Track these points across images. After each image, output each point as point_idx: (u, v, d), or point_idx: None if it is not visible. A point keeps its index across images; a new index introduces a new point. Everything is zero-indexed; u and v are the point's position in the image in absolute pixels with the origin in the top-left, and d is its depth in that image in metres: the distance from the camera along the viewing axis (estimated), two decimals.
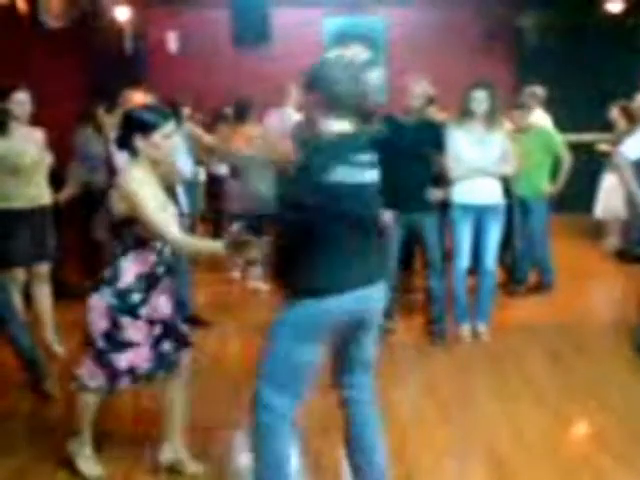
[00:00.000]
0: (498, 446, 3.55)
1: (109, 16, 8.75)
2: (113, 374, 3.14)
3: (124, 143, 3.10)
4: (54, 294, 4.91)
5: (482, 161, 4.88)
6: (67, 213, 5.72)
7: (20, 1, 7.44)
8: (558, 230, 6.86)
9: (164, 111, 3.19)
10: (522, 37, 9.32)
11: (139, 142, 3.03)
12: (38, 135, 4.79)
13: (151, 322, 3.15)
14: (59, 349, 4.84)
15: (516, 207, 5.74)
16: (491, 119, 4.89)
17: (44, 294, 4.83)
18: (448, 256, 5.48)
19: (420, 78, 4.99)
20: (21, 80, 4.74)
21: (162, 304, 3.19)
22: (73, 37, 8.50)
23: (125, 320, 3.08)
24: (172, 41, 9.93)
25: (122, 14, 8.89)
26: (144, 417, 3.86)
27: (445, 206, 5.09)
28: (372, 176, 2.73)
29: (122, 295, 3.07)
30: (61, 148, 5.53)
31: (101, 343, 3.10)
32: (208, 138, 7.64)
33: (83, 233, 6.79)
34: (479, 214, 4.96)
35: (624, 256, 7.17)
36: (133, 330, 3.10)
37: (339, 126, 2.68)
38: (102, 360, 3.12)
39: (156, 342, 3.18)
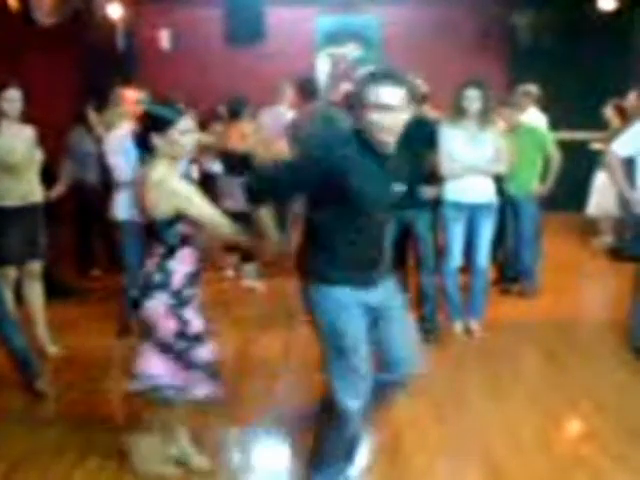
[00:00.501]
0: (492, 446, 3.54)
1: (101, 13, 8.72)
2: (207, 370, 3.13)
3: (141, 141, 3.05)
4: (46, 292, 4.89)
5: (475, 159, 4.87)
6: (59, 211, 5.71)
7: None
8: (551, 228, 6.87)
9: (179, 107, 3.18)
10: (516, 35, 9.33)
11: (157, 139, 2.99)
12: (28, 132, 4.77)
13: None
14: (51, 348, 4.83)
15: (507, 206, 5.73)
16: (484, 117, 4.88)
17: (36, 292, 4.81)
18: (440, 254, 5.47)
19: (414, 76, 4.99)
20: (12, 77, 4.71)
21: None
22: (65, 34, 8.47)
23: (188, 313, 3.08)
24: (165, 39, 9.90)
25: (114, 11, 8.87)
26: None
27: (438, 204, 5.08)
28: None
29: (177, 294, 3.06)
30: (53, 145, 5.52)
31: (178, 343, 3.08)
32: (202, 136, 7.64)
33: (75, 231, 6.80)
34: (471, 212, 4.96)
35: (617, 254, 7.18)
36: (197, 323, 3.11)
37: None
38: (184, 360, 3.10)
39: None
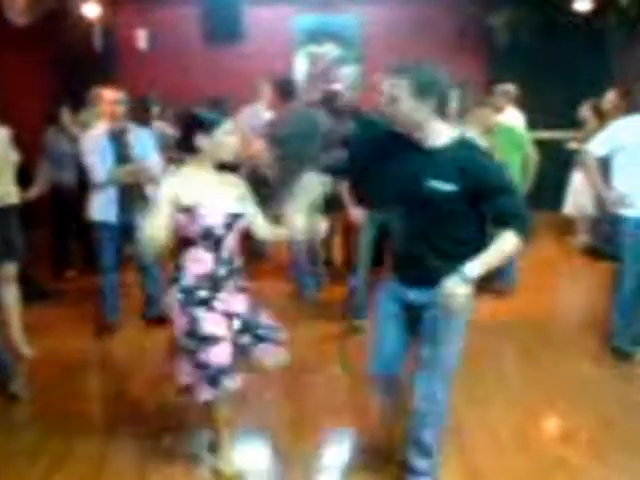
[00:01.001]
0: (471, 448, 3.54)
1: (77, 13, 8.64)
2: (209, 373, 3.10)
3: (185, 143, 3.08)
4: (22, 294, 4.84)
5: None
6: (35, 212, 5.65)
7: None
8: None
9: (224, 110, 3.21)
10: (493, 35, 9.36)
11: (202, 141, 3.02)
12: (3, 133, 4.71)
13: (229, 316, 3.14)
14: (27, 350, 4.78)
15: None
16: (463, 117, 4.90)
17: (11, 294, 4.75)
18: None
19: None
20: None
21: (237, 302, 3.18)
22: (41, 34, 8.38)
23: (199, 312, 3.06)
24: (142, 38, 9.83)
25: (91, 11, 8.78)
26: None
27: None
28: None
29: (188, 291, 3.06)
30: (29, 146, 5.47)
31: (187, 342, 3.09)
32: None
33: (51, 232, 6.74)
34: None
35: (593, 253, 7.23)
36: (211, 323, 3.07)
37: (452, 129, 2.84)
38: (193, 360, 3.10)
39: (236, 336, 3.17)
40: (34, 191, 5.42)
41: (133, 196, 4.98)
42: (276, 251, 6.90)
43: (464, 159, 2.72)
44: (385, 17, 9.81)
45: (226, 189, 3.13)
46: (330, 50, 9.05)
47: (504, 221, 2.72)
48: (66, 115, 6.34)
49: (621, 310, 4.66)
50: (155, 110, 7.62)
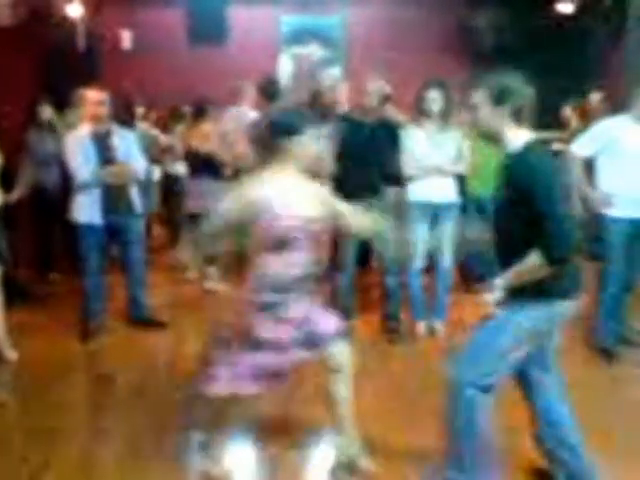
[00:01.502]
0: None
1: (61, 13, 8.60)
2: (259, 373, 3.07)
3: (269, 146, 3.06)
4: (5, 297, 4.79)
5: (438, 160, 4.89)
6: (18, 213, 5.61)
7: None
8: None
9: (307, 114, 3.20)
10: (477, 37, 9.40)
11: (287, 145, 3.02)
12: None
13: (294, 322, 3.09)
14: (11, 354, 4.73)
15: (471, 205, 5.74)
16: (446, 118, 4.91)
17: None
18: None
19: (376, 77, 5.00)
20: None
21: (302, 308, 3.12)
22: (24, 34, 8.35)
23: (257, 317, 3.03)
24: (127, 39, 9.80)
25: (75, 11, 8.74)
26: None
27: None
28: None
29: (251, 294, 3.05)
30: (12, 148, 5.42)
31: (238, 341, 3.06)
32: (164, 138, 7.59)
33: (35, 233, 6.67)
34: (435, 212, 4.98)
35: (579, 253, 7.25)
36: (264, 330, 3.03)
37: (529, 135, 2.89)
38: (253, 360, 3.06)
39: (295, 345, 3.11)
40: (16, 193, 5.37)
41: (117, 198, 4.96)
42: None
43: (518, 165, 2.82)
44: (369, 18, 9.83)
45: (308, 193, 3.11)
46: (314, 51, 9.05)
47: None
48: (46, 113, 6.27)
49: (606, 310, 4.69)
50: (139, 111, 7.60)
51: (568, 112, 7.26)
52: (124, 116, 6.12)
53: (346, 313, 5.06)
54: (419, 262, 5.08)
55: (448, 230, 5.03)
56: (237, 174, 6.47)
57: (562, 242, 2.72)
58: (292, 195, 3.02)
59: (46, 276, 6.62)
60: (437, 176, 4.94)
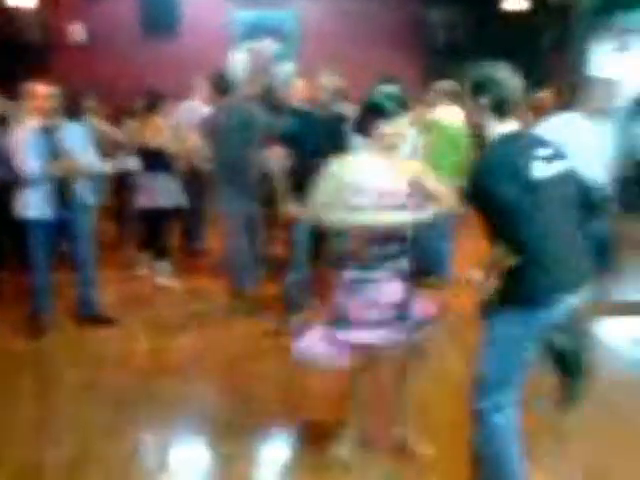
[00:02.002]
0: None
1: (13, 5, 8.42)
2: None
3: (363, 127, 3.15)
4: None
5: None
6: None
7: None
8: (471, 222, 6.90)
9: (404, 99, 3.21)
10: (430, 32, 9.48)
11: (379, 128, 3.07)
12: None
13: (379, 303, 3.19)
14: None
15: None
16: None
17: None
18: None
19: (329, 71, 5.00)
20: None
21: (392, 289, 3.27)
22: None
23: (344, 296, 3.16)
24: (79, 31, 9.65)
25: (27, 2, 8.56)
26: None
27: None
28: (561, 167, 2.76)
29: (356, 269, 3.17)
30: None
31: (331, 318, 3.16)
32: (115, 132, 7.48)
33: None
34: None
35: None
36: (351, 307, 3.16)
37: (511, 126, 2.83)
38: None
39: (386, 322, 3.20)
40: None
41: (66, 192, 4.88)
42: (213, 247, 6.85)
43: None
44: (323, 13, 9.85)
45: (400, 172, 3.18)
46: (268, 45, 9.01)
47: None
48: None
49: None
50: (90, 105, 7.48)
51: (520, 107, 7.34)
52: (73, 109, 6.01)
53: (294, 307, 5.07)
54: None
55: None
56: (191, 169, 6.43)
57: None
58: (384, 175, 3.11)
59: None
60: None
